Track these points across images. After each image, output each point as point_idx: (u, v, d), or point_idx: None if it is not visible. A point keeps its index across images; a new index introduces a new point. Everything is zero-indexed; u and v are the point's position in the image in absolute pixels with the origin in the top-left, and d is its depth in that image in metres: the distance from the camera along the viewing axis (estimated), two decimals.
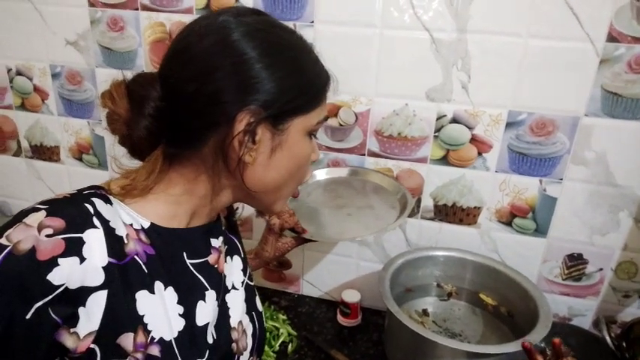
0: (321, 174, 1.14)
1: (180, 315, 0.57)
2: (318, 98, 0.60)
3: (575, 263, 1.09)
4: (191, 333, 0.58)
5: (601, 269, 1.09)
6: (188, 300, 0.59)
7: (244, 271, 0.75)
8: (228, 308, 0.67)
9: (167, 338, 0.54)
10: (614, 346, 0.92)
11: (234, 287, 0.70)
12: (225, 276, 0.68)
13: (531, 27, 0.96)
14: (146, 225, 0.56)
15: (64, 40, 1.23)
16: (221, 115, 0.54)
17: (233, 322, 0.67)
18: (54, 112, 1.32)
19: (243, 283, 0.73)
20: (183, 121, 0.55)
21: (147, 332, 0.52)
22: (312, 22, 1.06)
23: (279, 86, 0.55)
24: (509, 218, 1.11)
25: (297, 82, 0.57)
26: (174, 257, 0.59)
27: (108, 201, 0.54)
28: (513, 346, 0.81)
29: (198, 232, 0.63)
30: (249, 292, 0.74)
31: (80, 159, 1.36)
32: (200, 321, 0.60)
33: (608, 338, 0.93)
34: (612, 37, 0.92)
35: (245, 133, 0.54)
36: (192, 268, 0.61)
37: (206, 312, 0.61)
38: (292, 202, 1.06)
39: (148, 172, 0.57)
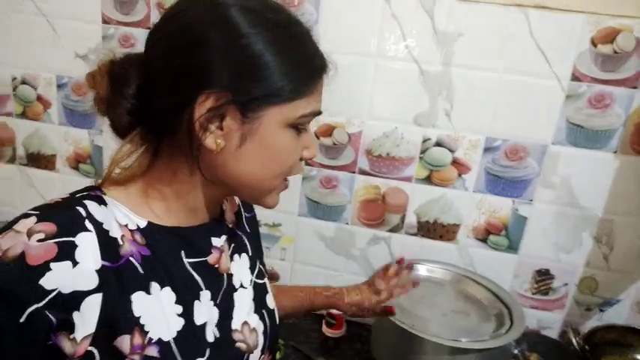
0: (422, 270, 1.18)
1: (178, 315, 0.56)
2: (302, 88, 0.54)
3: (543, 278, 1.20)
4: (191, 332, 0.57)
5: (566, 284, 1.20)
6: (186, 299, 0.58)
7: (252, 269, 0.73)
8: (234, 307, 0.66)
9: (165, 339, 0.53)
10: (580, 349, 1.01)
11: (242, 286, 0.69)
12: (231, 275, 0.67)
13: (507, 64, 1.09)
14: (142, 224, 0.56)
15: (73, 53, 1.29)
16: (188, 95, 0.51)
17: (239, 320, 0.66)
18: (55, 121, 1.37)
19: (251, 281, 0.72)
20: (157, 100, 0.53)
21: (144, 333, 0.51)
22: None
23: (250, 70, 0.51)
24: (484, 235, 1.21)
25: (276, 67, 0.51)
26: (171, 256, 0.58)
27: (102, 202, 0.53)
28: (493, 343, 0.89)
29: (199, 230, 0.62)
30: (259, 290, 0.72)
31: (77, 168, 1.39)
32: (198, 320, 0.58)
33: (575, 342, 1.02)
34: (575, 77, 1.07)
35: (208, 116, 0.51)
36: (189, 267, 0.60)
37: (202, 311, 0.60)
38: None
39: (128, 154, 0.57)
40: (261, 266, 0.78)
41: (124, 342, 0.49)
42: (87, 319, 0.47)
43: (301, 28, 0.55)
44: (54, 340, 0.46)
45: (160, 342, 0.52)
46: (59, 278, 0.45)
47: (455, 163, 1.18)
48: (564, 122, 1.10)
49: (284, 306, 0.89)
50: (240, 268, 0.70)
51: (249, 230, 0.78)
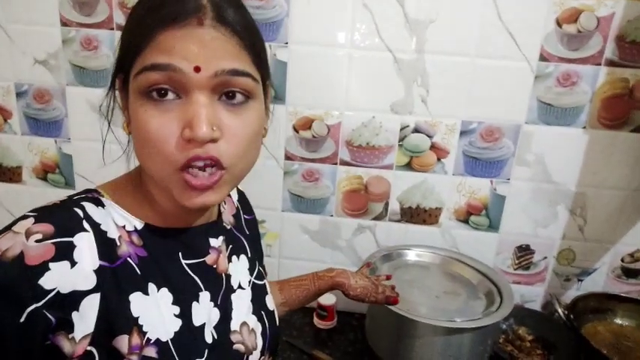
0: (410, 255, 1.21)
1: (176, 315, 0.56)
2: (137, 45, 0.49)
3: (523, 254, 1.24)
4: (188, 333, 0.57)
5: (545, 258, 1.25)
6: (184, 300, 0.58)
7: (251, 270, 0.73)
8: (232, 308, 0.66)
9: (163, 339, 0.54)
10: (566, 318, 1.06)
11: (240, 287, 0.69)
12: (229, 275, 0.67)
13: (477, 48, 1.12)
14: (140, 226, 0.56)
15: (32, 59, 1.23)
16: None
17: (237, 321, 0.66)
18: (17, 131, 1.30)
19: (249, 282, 0.71)
20: None
21: (142, 334, 0.52)
22: (287, 43, 1.15)
23: (121, 39, 0.53)
24: (465, 216, 1.24)
25: (124, 35, 0.52)
26: (168, 258, 0.59)
27: (100, 204, 0.54)
28: (487, 320, 0.92)
29: (196, 231, 0.62)
30: (258, 292, 0.72)
31: (45, 179, 1.33)
32: (197, 321, 0.59)
33: (560, 312, 1.07)
34: (543, 57, 1.11)
35: (120, 99, 0.56)
36: (187, 269, 0.60)
37: (201, 312, 0.60)
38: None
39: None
40: (260, 268, 0.77)
41: (123, 342, 0.50)
42: (85, 318, 0.48)
43: None
44: (52, 339, 0.46)
45: (158, 342, 0.53)
46: (58, 278, 0.46)
47: (433, 148, 1.20)
48: (535, 102, 1.14)
49: (296, 296, 0.89)
50: (238, 269, 0.70)
51: (248, 232, 0.77)
